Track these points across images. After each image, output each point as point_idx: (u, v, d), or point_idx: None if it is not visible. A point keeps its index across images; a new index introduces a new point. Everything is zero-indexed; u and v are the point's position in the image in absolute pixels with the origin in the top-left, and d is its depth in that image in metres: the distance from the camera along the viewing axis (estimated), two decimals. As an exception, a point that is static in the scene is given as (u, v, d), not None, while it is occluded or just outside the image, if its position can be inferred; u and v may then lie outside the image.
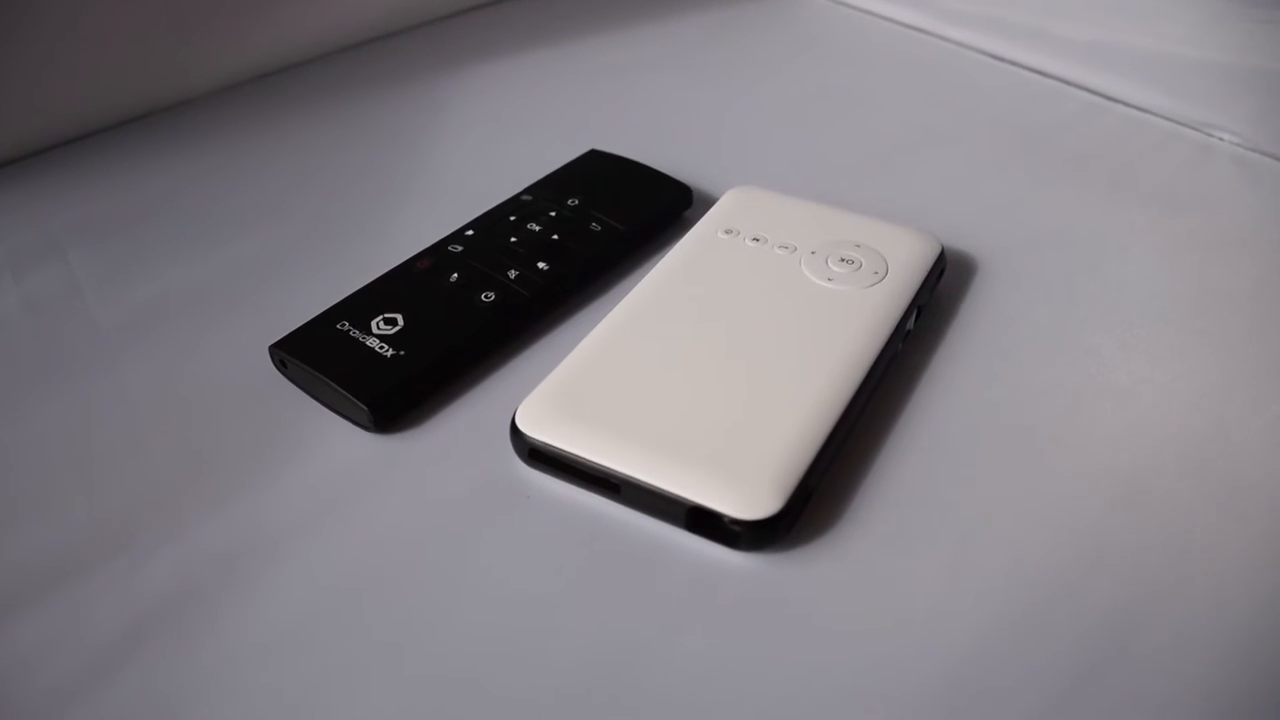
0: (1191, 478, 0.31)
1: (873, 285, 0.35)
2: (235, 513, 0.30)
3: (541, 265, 0.37)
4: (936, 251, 0.37)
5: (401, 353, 0.33)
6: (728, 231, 0.37)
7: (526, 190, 0.41)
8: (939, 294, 0.37)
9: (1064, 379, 0.34)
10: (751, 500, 0.28)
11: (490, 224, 0.39)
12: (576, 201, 0.40)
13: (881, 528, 0.29)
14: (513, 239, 0.38)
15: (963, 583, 0.28)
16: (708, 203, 0.42)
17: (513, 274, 0.36)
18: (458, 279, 0.36)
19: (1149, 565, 0.28)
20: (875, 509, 0.30)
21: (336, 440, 0.32)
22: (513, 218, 0.39)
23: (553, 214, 0.39)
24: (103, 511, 0.30)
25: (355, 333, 0.34)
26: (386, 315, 0.34)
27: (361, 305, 0.35)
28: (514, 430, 0.31)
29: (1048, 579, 0.28)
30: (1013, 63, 0.53)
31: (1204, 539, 0.29)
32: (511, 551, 0.29)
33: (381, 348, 0.33)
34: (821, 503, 0.30)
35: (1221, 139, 0.46)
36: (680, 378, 0.31)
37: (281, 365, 0.34)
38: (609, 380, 0.31)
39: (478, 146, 0.48)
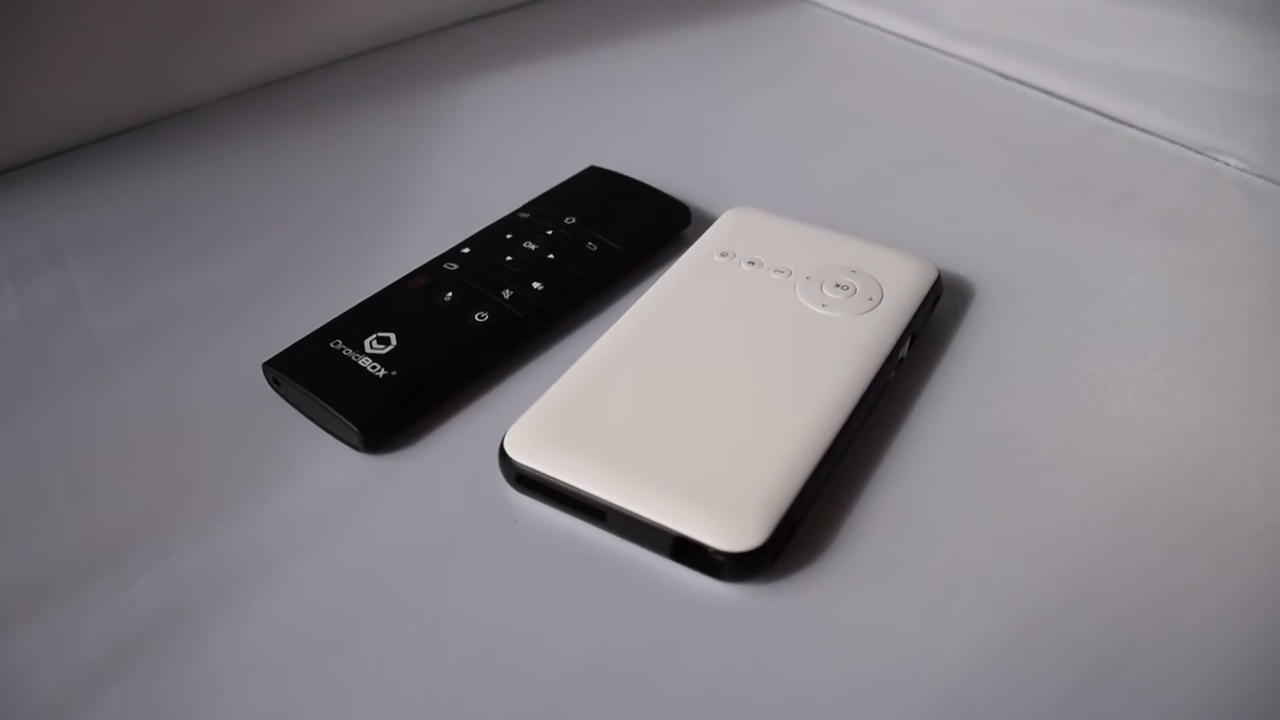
0: (1183, 514, 0.30)
1: (867, 312, 0.35)
2: (224, 532, 0.30)
3: (536, 285, 0.37)
4: (933, 277, 0.37)
5: (394, 373, 0.33)
6: (723, 254, 0.37)
7: (524, 207, 0.41)
8: (934, 320, 0.37)
9: (1058, 410, 0.34)
10: (735, 532, 0.28)
11: (486, 242, 0.39)
12: (573, 220, 0.40)
13: (868, 558, 0.29)
14: (508, 257, 0.38)
15: (947, 615, 0.28)
16: (706, 222, 0.42)
17: (507, 294, 0.36)
18: (452, 298, 0.36)
19: (1136, 600, 0.28)
20: (862, 539, 0.30)
21: (327, 459, 0.33)
22: (509, 235, 0.39)
23: (549, 232, 0.39)
24: (93, 527, 0.31)
25: (348, 351, 0.34)
26: (380, 334, 0.35)
27: (355, 323, 0.35)
28: (502, 455, 0.31)
29: (1033, 614, 0.28)
30: (1019, 81, 0.53)
31: (1193, 576, 0.29)
32: (497, 576, 0.29)
33: (374, 367, 0.33)
34: (808, 532, 0.30)
35: (1227, 164, 0.46)
36: (670, 404, 0.31)
37: (274, 383, 0.34)
38: (598, 406, 0.31)
39: (476, 160, 0.48)
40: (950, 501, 0.31)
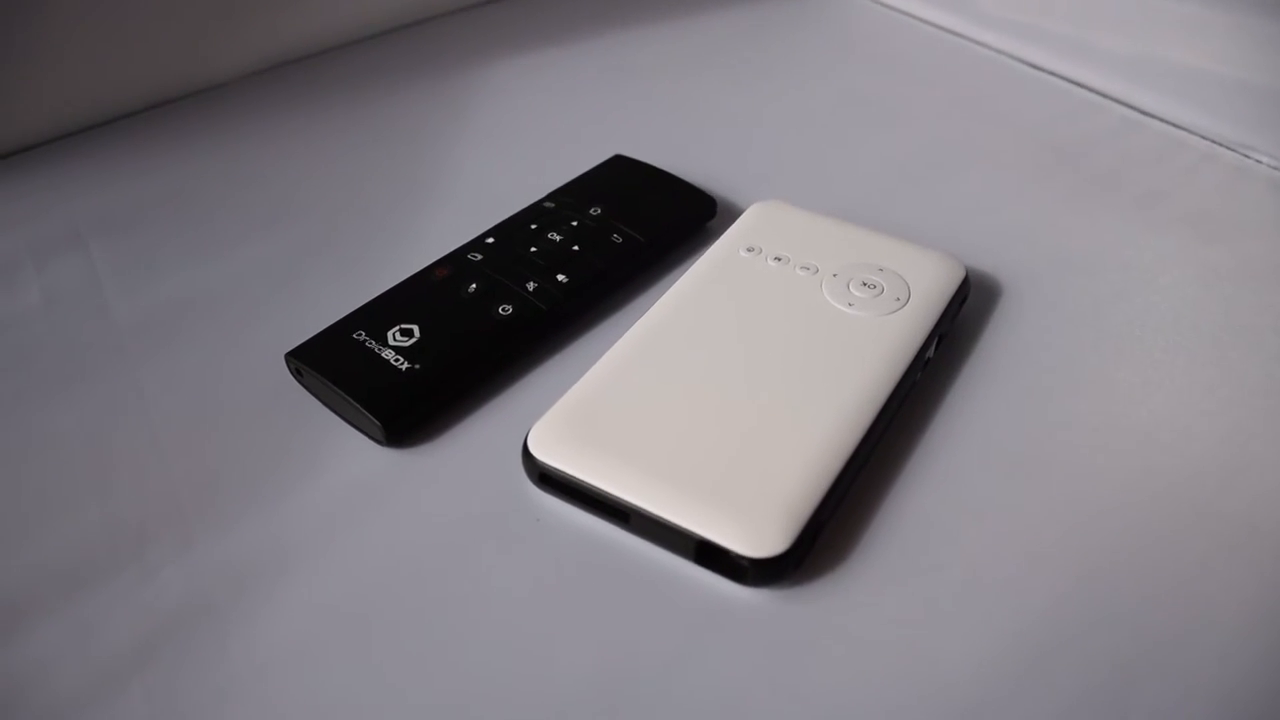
0: (1210, 522, 0.30)
1: (894, 312, 0.34)
2: (246, 525, 0.30)
3: (560, 278, 0.36)
4: (960, 277, 0.36)
5: (416, 366, 0.33)
6: (750, 249, 0.37)
7: (549, 196, 0.41)
8: (961, 320, 0.37)
9: (1084, 414, 0.33)
10: (759, 537, 0.27)
11: (510, 232, 0.39)
12: (599, 210, 0.40)
13: (891, 563, 0.29)
14: (533, 248, 0.38)
15: (970, 623, 0.28)
16: (732, 213, 0.42)
17: (531, 286, 0.36)
18: (476, 289, 0.36)
19: (1161, 610, 0.28)
20: (885, 544, 0.30)
21: (349, 453, 0.33)
22: (534, 226, 0.39)
23: (574, 223, 0.39)
24: (115, 519, 0.31)
25: (371, 343, 0.34)
26: (403, 326, 0.34)
27: (378, 314, 0.35)
28: (525, 453, 0.31)
29: (1055, 621, 0.27)
30: (1050, 72, 0.52)
31: (1219, 584, 0.28)
32: (519, 575, 0.29)
33: (397, 360, 0.33)
34: (832, 537, 0.29)
35: (1259, 161, 0.45)
36: (695, 404, 0.31)
37: (297, 374, 0.34)
38: (622, 405, 0.31)
39: (501, 146, 0.48)
40: (974, 507, 0.31)
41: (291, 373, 0.35)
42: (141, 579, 0.29)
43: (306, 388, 0.34)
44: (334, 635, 0.28)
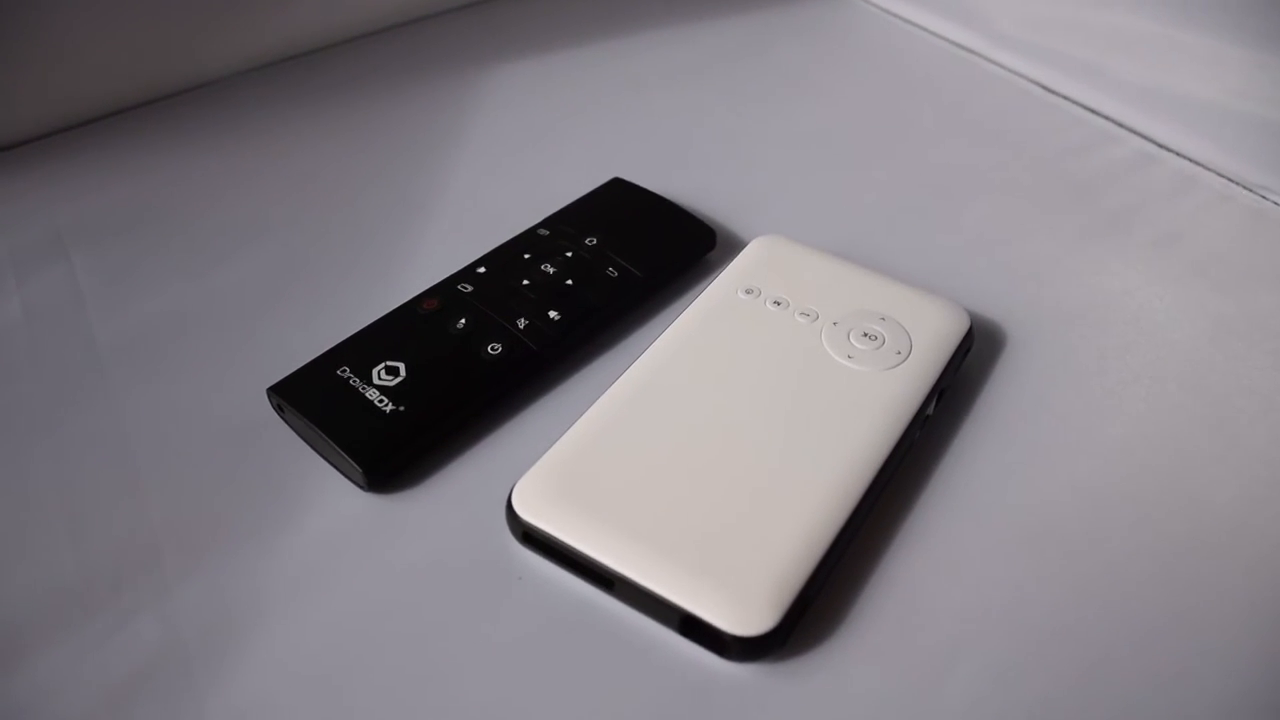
0: (1214, 593, 0.29)
1: (895, 367, 0.33)
2: (223, 571, 0.30)
3: (553, 314, 0.35)
4: (964, 328, 0.35)
5: (401, 408, 0.32)
6: (748, 291, 0.36)
7: (544, 222, 0.40)
8: (963, 371, 0.36)
9: (1086, 478, 0.33)
10: (746, 614, 0.27)
11: (502, 262, 0.38)
12: (594, 241, 0.39)
13: (879, 639, 0.28)
14: (525, 281, 0.37)
15: (960, 702, 0.27)
16: (732, 243, 0.41)
17: (522, 323, 0.35)
18: (464, 325, 0.35)
19: (1153, 683, 0.27)
20: (874, 617, 0.29)
21: (329, 496, 0.32)
22: (527, 255, 0.38)
23: (569, 254, 0.38)
24: (90, 559, 0.30)
25: (355, 381, 0.33)
26: (389, 364, 0.33)
27: (364, 349, 0.34)
28: (509, 510, 0.30)
29: (1050, 701, 0.27)
30: (1064, 96, 0.51)
31: (1217, 666, 0.28)
32: (498, 635, 0.28)
33: (381, 401, 0.32)
34: (820, 608, 0.29)
35: (1276, 203, 0.44)
36: (685, 463, 0.30)
37: (279, 408, 0.33)
38: (610, 462, 0.30)
39: (498, 159, 0.46)
40: (968, 577, 0.30)
41: (273, 407, 0.34)
42: (116, 625, 0.28)
43: (288, 423, 0.33)
44: (308, 690, 0.27)
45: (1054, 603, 0.29)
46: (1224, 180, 0.45)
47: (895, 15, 0.58)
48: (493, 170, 0.46)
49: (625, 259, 0.38)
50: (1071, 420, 0.34)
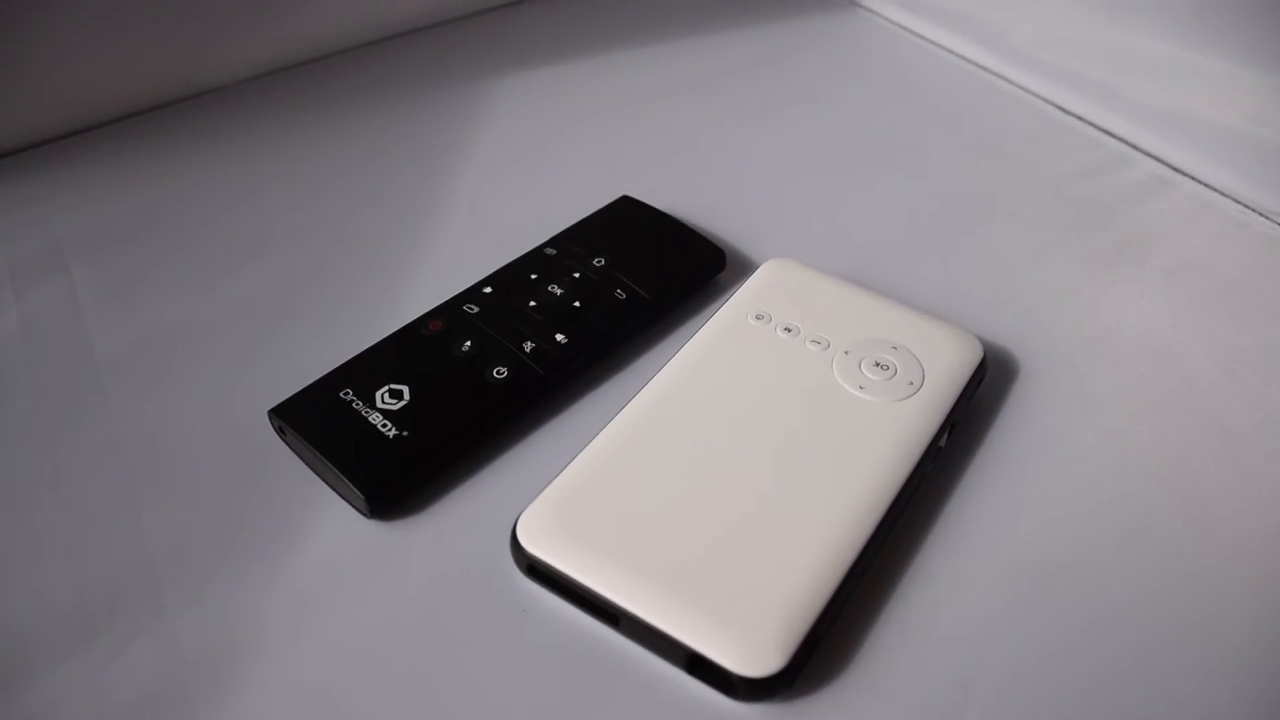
0: (1234, 639, 0.29)
1: (907, 398, 0.33)
2: (222, 598, 0.29)
3: (559, 338, 0.35)
4: (978, 358, 0.35)
5: (405, 433, 0.32)
6: (758, 317, 0.35)
7: (551, 241, 0.39)
8: (975, 402, 0.35)
9: (1099, 517, 0.32)
10: (754, 655, 0.26)
11: (508, 282, 0.37)
12: (602, 262, 0.38)
13: (888, 679, 0.28)
14: (531, 302, 0.36)
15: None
16: (742, 264, 0.41)
17: (528, 347, 0.34)
18: (470, 348, 0.34)
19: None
20: (883, 657, 0.28)
21: (331, 522, 0.31)
22: (533, 276, 0.37)
23: (576, 275, 0.37)
24: (86, 583, 0.29)
25: (358, 404, 0.32)
26: (393, 386, 0.33)
27: (367, 370, 0.33)
28: (514, 542, 0.29)
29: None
30: (1079, 117, 0.50)
31: (1223, 713, 0.27)
32: (501, 668, 0.28)
33: (384, 425, 0.32)
34: (829, 647, 0.28)
35: (1292, 231, 0.44)
36: (693, 496, 0.30)
37: (280, 431, 0.33)
38: (617, 494, 0.30)
39: (504, 174, 0.46)
40: (979, 615, 0.29)
41: (274, 429, 0.33)
42: (112, 653, 0.28)
43: (289, 446, 0.33)
44: (307, 725, 0.27)
45: (1066, 641, 0.29)
46: (1240, 206, 0.45)
47: (909, 30, 0.57)
48: (499, 183, 0.45)
49: (633, 280, 0.37)
50: (1083, 454, 0.34)
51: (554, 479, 0.30)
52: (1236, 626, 0.29)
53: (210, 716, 0.27)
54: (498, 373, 0.34)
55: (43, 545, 0.30)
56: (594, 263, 0.38)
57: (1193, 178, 0.46)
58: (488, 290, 0.37)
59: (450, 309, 0.36)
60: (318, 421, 0.32)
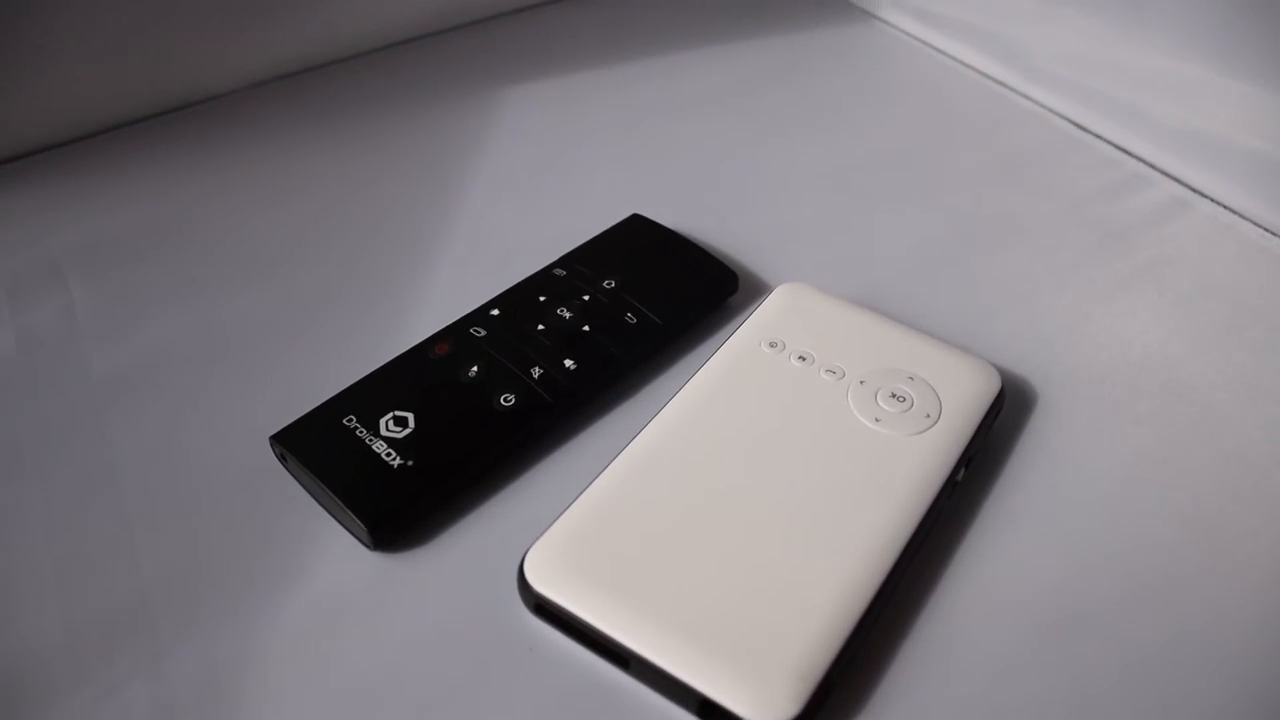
0: (1237, 681, 0.28)
1: (923, 431, 0.32)
2: (219, 636, 0.28)
3: (568, 363, 0.34)
4: (995, 389, 0.34)
5: (410, 463, 0.31)
6: (772, 345, 0.35)
7: (560, 261, 0.38)
8: (993, 433, 0.34)
9: (1118, 556, 0.31)
10: (768, 702, 0.25)
11: (516, 304, 0.36)
12: (612, 284, 0.37)
13: (904, 725, 0.27)
14: (540, 326, 0.35)
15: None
16: (754, 286, 0.40)
17: (536, 373, 0.34)
18: (477, 373, 0.33)
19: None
20: (897, 701, 0.28)
21: (332, 554, 0.30)
22: (542, 298, 0.36)
23: (585, 297, 0.36)
24: (80, 618, 0.29)
25: (362, 431, 0.32)
26: (397, 413, 0.32)
27: (371, 396, 0.33)
28: (521, 579, 0.28)
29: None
30: (1098, 135, 0.49)
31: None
32: (507, 709, 0.27)
33: (389, 454, 0.31)
34: (843, 691, 0.27)
35: (1315, 256, 0.43)
36: (703, 534, 0.29)
37: (281, 457, 0.32)
38: (626, 532, 0.29)
39: (515, 187, 0.45)
40: (995, 660, 0.29)
41: (276, 455, 0.32)
42: (106, 694, 0.27)
43: (291, 473, 0.32)
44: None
45: (1084, 684, 0.28)
46: (1260, 230, 0.44)
47: (928, 44, 0.56)
48: (507, 199, 0.44)
49: (644, 304, 0.36)
50: (1103, 488, 0.33)
51: (562, 512, 0.30)
52: (1259, 671, 0.28)
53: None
54: (505, 400, 0.33)
55: (35, 577, 0.29)
56: (604, 284, 0.37)
57: (1212, 199, 0.46)
58: (495, 312, 0.36)
59: (457, 331, 0.35)
60: (320, 449, 0.31)
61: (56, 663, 0.28)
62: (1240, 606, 0.30)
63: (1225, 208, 0.45)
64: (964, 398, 0.33)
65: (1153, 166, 0.47)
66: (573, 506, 0.30)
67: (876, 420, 0.32)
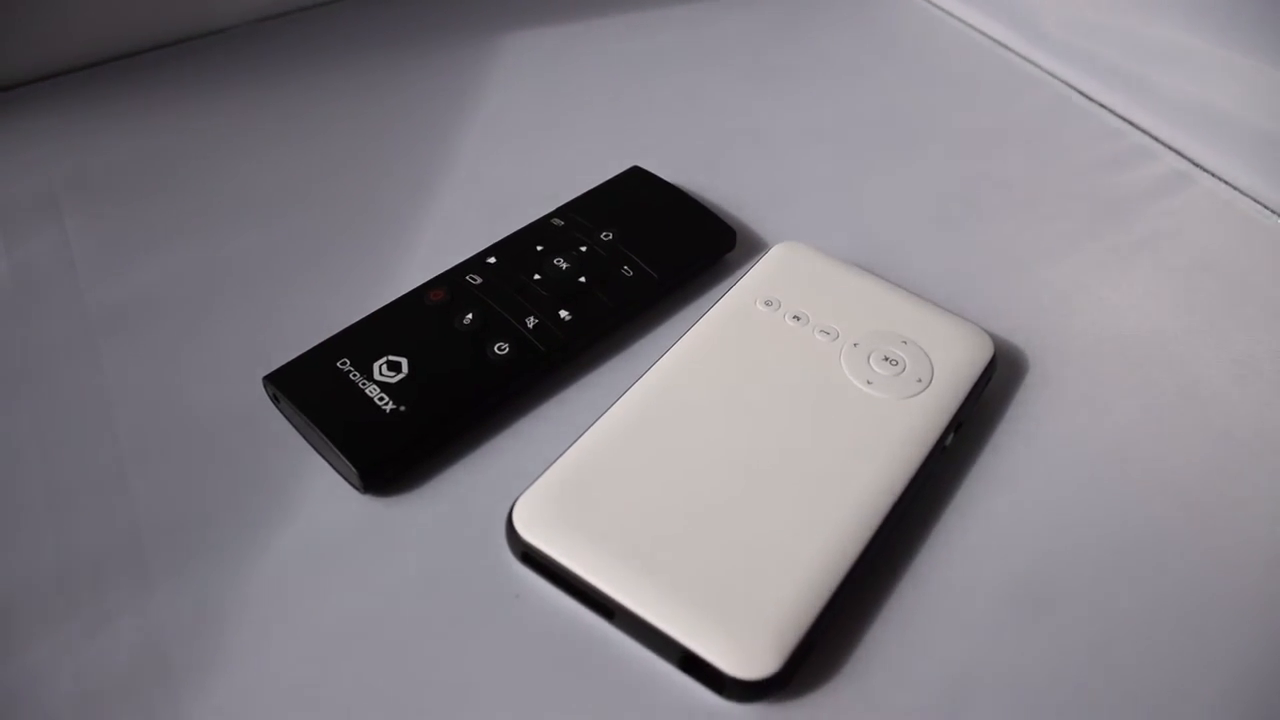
0: (1220, 649, 0.28)
1: (914, 395, 0.32)
2: (210, 571, 0.29)
3: (563, 314, 0.34)
4: (988, 355, 0.34)
5: (402, 408, 0.31)
6: (767, 303, 0.35)
7: (558, 211, 0.38)
8: (983, 400, 0.34)
9: (1102, 524, 0.32)
10: (749, 656, 0.26)
11: (513, 253, 0.36)
12: (610, 236, 0.37)
13: (879, 686, 0.27)
14: (536, 276, 0.35)
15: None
16: (752, 243, 0.40)
17: (531, 322, 0.34)
18: (471, 321, 0.33)
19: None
20: (877, 661, 0.28)
21: (322, 495, 0.31)
22: (539, 247, 0.36)
23: (583, 248, 0.36)
24: (71, 551, 0.29)
25: (355, 375, 0.32)
26: (391, 358, 0.32)
27: (365, 340, 0.33)
28: (509, 527, 0.29)
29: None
30: (1103, 105, 0.49)
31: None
32: (490, 656, 0.27)
33: (381, 399, 0.31)
34: (823, 650, 0.28)
35: (1313, 235, 0.43)
36: (692, 489, 0.29)
37: (274, 399, 0.32)
38: (616, 484, 0.29)
39: (512, 135, 0.45)
40: (976, 622, 0.29)
41: (269, 396, 0.32)
42: (96, 626, 0.27)
43: (283, 414, 0.32)
44: (289, 700, 0.26)
45: (1064, 648, 0.28)
46: (1259, 206, 0.44)
47: (936, 5, 0.55)
48: (507, 146, 0.44)
49: (641, 257, 0.36)
50: (1089, 458, 0.33)
51: (552, 463, 0.30)
52: (1239, 639, 0.29)
53: (194, 692, 0.26)
54: (499, 349, 0.33)
55: (26, 511, 0.30)
56: (601, 236, 0.37)
57: (1213, 174, 0.45)
58: (491, 260, 0.36)
59: (453, 278, 0.35)
60: (313, 391, 0.31)
61: (47, 595, 0.28)
62: (1222, 578, 0.30)
63: (1226, 183, 0.45)
64: (956, 363, 0.33)
65: (1155, 139, 0.47)
66: (563, 457, 0.30)
67: (868, 383, 0.32)
